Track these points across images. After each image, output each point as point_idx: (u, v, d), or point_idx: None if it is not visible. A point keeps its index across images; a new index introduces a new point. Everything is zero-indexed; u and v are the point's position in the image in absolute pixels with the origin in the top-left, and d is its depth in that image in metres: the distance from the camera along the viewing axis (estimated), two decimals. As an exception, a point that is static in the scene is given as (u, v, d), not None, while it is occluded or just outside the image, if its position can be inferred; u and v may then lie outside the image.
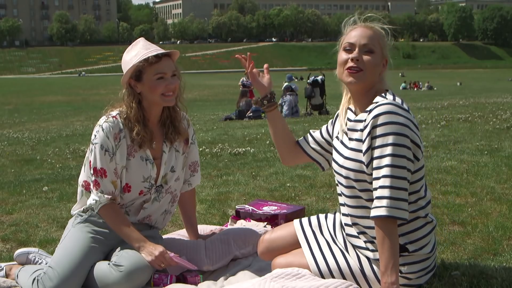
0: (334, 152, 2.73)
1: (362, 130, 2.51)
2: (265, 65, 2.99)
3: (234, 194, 4.96)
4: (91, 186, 2.97)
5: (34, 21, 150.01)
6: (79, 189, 3.16)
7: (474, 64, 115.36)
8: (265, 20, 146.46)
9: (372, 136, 2.44)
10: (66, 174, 6.95)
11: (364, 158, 2.49)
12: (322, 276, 2.70)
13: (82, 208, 3.10)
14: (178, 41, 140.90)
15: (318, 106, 16.78)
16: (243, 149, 7.76)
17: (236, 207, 4.09)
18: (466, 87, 36.04)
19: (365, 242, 2.62)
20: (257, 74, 2.95)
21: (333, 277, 2.68)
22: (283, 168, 6.10)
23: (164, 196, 3.13)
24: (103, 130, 2.92)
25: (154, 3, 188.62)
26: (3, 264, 3.26)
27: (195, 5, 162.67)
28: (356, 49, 2.57)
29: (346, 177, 2.60)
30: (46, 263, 3.17)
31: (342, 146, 2.66)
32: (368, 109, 2.51)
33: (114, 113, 2.98)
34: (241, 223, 3.82)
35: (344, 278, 2.66)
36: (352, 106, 2.69)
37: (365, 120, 2.50)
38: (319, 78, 17.09)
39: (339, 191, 2.72)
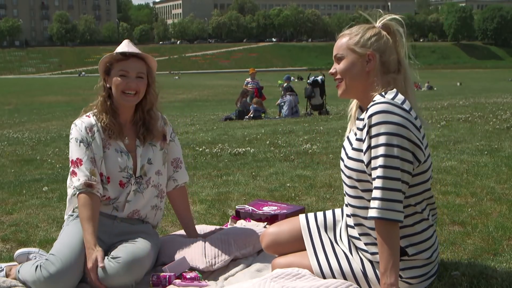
0: (342, 150, 2.71)
1: (361, 130, 2.49)
2: None
3: (234, 194, 4.96)
4: (70, 177, 3.10)
5: (34, 21, 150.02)
6: (68, 190, 3.23)
7: (474, 64, 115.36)
8: (265, 20, 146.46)
9: (370, 136, 2.42)
10: (66, 174, 6.92)
11: (364, 158, 2.47)
12: (324, 277, 2.69)
13: (72, 209, 3.19)
14: (178, 41, 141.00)
15: (318, 106, 16.79)
16: (243, 149, 7.76)
17: (236, 207, 4.09)
18: (466, 87, 36.03)
19: (366, 244, 2.61)
20: None
21: (334, 278, 2.67)
22: (283, 168, 6.10)
23: (146, 188, 3.18)
24: (76, 125, 3.12)
25: (154, 3, 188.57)
26: (3, 265, 3.26)
27: (195, 5, 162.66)
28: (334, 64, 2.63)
29: (349, 177, 2.58)
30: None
31: (348, 145, 2.64)
32: (368, 107, 2.49)
33: (87, 113, 3.18)
34: (241, 223, 3.82)
35: (345, 279, 2.65)
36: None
37: (363, 119, 2.48)
38: (319, 78, 17.10)
39: (344, 191, 2.72)
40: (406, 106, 2.46)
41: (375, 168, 2.39)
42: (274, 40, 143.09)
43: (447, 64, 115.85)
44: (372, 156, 2.42)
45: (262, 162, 6.72)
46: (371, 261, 2.61)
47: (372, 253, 2.58)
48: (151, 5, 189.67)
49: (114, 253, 2.92)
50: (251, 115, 16.14)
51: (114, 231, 3.12)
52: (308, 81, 17.20)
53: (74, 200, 3.13)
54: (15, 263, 3.30)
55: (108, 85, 3.10)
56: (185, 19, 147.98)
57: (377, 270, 2.58)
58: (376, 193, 2.38)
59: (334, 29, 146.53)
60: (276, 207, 3.97)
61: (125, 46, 3.09)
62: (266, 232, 3.01)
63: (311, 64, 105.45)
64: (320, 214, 2.92)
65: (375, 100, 2.47)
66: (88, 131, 3.07)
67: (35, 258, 3.28)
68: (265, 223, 3.75)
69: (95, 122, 3.10)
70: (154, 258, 3.09)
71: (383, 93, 2.50)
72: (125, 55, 3.05)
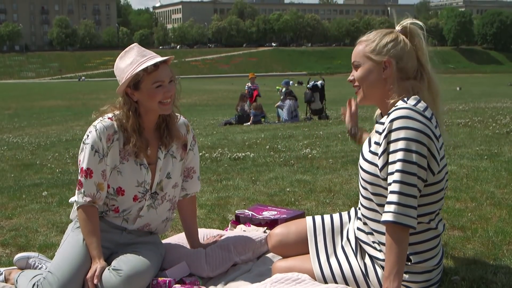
0: (360, 152, 2.71)
1: (380, 133, 2.49)
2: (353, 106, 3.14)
3: (234, 199, 4.96)
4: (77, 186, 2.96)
5: (34, 26, 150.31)
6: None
7: (474, 69, 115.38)
8: (264, 25, 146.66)
9: (388, 141, 2.41)
10: (65, 179, 6.94)
11: (379, 162, 2.46)
12: (325, 281, 2.69)
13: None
14: (178, 46, 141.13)
15: (318, 111, 16.79)
16: (243, 154, 7.76)
17: (236, 212, 4.08)
18: (466, 92, 36.01)
19: (373, 242, 2.62)
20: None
21: (336, 282, 2.67)
22: (282, 173, 6.10)
23: (161, 203, 3.10)
24: (96, 130, 2.91)
25: (154, 8, 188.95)
26: (2, 269, 3.25)
27: (195, 10, 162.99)
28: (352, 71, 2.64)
29: (362, 178, 2.60)
30: (46, 268, 3.16)
31: (366, 146, 2.64)
32: (389, 112, 2.49)
33: (110, 114, 2.98)
34: (241, 228, 3.82)
35: (347, 284, 2.65)
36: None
37: (383, 123, 2.48)
38: (318, 83, 17.11)
39: (359, 191, 2.72)
40: (428, 113, 2.45)
41: (392, 173, 2.39)
42: (274, 44, 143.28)
43: (446, 68, 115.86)
44: (389, 161, 2.41)
45: (261, 166, 6.72)
46: (374, 267, 2.61)
47: (380, 251, 2.59)
48: (151, 10, 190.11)
49: (116, 264, 2.85)
50: (251, 122, 16.16)
51: (120, 241, 3.06)
52: (308, 85, 17.21)
53: None
54: (14, 267, 3.30)
55: (134, 99, 2.93)
56: (185, 24, 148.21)
57: (379, 275, 2.58)
58: (392, 198, 2.37)
59: (333, 34, 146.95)
60: (275, 212, 3.96)
61: (144, 52, 2.94)
62: (273, 232, 3.01)
63: (310, 68, 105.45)
64: (327, 217, 2.92)
65: (397, 106, 2.47)
66: (107, 139, 2.90)
67: (35, 263, 3.28)
68: (265, 227, 3.74)
69: (117, 128, 2.93)
70: (157, 268, 3.03)
71: (405, 99, 2.49)
72: (156, 65, 2.87)
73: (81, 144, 2.95)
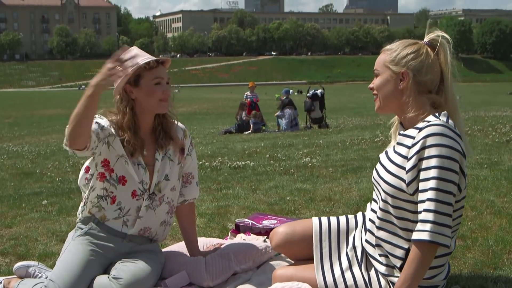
0: (378, 163, 2.64)
1: (409, 147, 2.43)
2: None
3: (234, 208, 4.95)
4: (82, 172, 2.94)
5: (34, 34, 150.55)
6: (81, 182, 3.21)
7: (473, 78, 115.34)
8: (264, 33, 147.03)
9: (420, 157, 2.36)
10: (65, 187, 6.94)
11: (406, 177, 2.41)
12: (327, 288, 2.68)
13: (81, 218, 3.10)
14: (178, 55, 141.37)
15: (318, 120, 16.82)
16: (243, 163, 7.76)
17: (236, 220, 4.08)
18: (466, 100, 36.05)
19: (379, 255, 2.59)
20: None
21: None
22: (282, 182, 6.10)
23: (159, 205, 3.09)
24: (99, 115, 2.95)
25: (154, 16, 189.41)
26: (1, 278, 3.25)
27: (195, 19, 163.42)
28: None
29: (383, 190, 2.52)
30: (46, 277, 3.16)
31: (385, 158, 2.58)
32: (419, 126, 2.43)
33: (107, 117, 3.01)
34: (241, 237, 3.81)
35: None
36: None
37: (414, 138, 2.42)
38: (318, 91, 17.14)
39: (372, 207, 2.68)
40: (458, 130, 2.43)
41: (425, 191, 2.34)
42: (274, 53, 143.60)
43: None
44: (421, 178, 2.36)
45: (261, 175, 6.72)
46: (378, 277, 2.59)
47: (386, 264, 2.57)
48: (151, 18, 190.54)
49: (116, 273, 2.85)
50: (251, 131, 16.18)
51: (121, 251, 3.04)
52: (308, 94, 17.25)
53: (89, 205, 3.06)
54: (14, 276, 3.29)
55: (132, 97, 2.96)
56: (185, 33, 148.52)
57: (382, 286, 2.57)
58: (428, 216, 2.32)
59: (333, 42, 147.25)
60: (276, 221, 3.96)
61: (143, 53, 2.96)
62: (277, 230, 2.98)
63: (310, 77, 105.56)
64: (333, 220, 2.88)
65: (429, 121, 2.42)
66: (109, 131, 2.92)
67: (34, 272, 3.28)
68: (265, 236, 3.74)
69: (114, 132, 2.94)
70: (157, 276, 3.02)
71: (437, 115, 2.46)
72: (158, 62, 2.94)
73: None
